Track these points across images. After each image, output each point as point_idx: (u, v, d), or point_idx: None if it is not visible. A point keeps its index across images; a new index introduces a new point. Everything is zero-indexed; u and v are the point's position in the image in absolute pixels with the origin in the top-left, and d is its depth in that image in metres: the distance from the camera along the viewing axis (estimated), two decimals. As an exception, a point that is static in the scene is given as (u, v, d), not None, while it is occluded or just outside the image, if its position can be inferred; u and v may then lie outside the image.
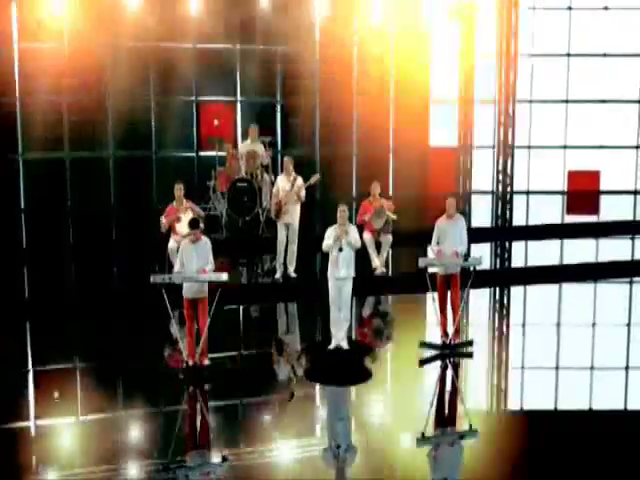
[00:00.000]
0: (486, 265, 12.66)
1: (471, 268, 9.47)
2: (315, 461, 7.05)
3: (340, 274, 8.85)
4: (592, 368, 9.46)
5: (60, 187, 14.78)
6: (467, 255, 9.61)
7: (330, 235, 8.83)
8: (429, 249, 9.63)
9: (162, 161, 15.22)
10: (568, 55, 17.48)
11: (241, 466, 6.90)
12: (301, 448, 7.32)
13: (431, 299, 9.41)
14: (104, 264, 12.53)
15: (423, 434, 7.45)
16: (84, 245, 12.96)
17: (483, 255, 10.17)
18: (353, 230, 8.91)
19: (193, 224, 8.67)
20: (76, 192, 14.76)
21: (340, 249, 8.73)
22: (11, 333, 10.09)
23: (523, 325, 11.10)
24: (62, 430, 7.78)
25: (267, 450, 7.24)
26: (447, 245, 9.22)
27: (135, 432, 7.78)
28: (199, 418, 8.07)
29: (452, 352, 9.26)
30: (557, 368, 9.41)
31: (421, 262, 9.14)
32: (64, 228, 13.97)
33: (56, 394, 8.57)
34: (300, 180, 11.14)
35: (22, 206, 14.72)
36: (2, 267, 11.97)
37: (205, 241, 8.69)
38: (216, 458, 7.14)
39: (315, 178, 11.32)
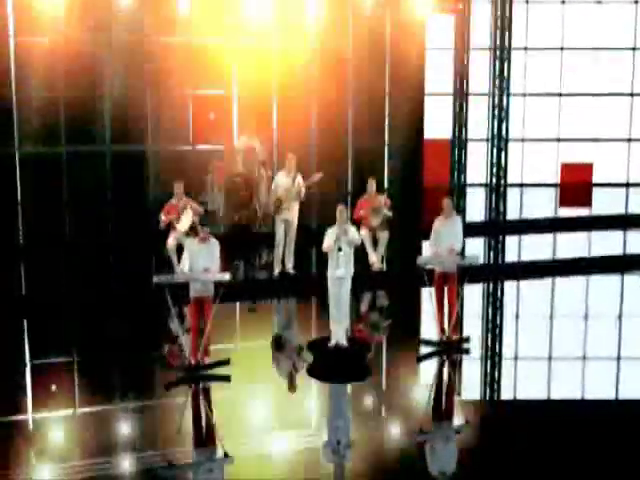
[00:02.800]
0: (480, 260, 12.82)
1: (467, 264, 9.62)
2: (315, 457, 7.19)
3: (339, 273, 8.95)
4: (584, 358, 9.68)
5: (56, 182, 14.73)
6: (463, 253, 9.75)
7: (330, 235, 8.92)
8: (427, 247, 9.72)
9: (158, 155, 15.19)
10: (561, 49, 17.59)
11: (242, 463, 6.99)
12: (301, 444, 7.43)
13: (428, 295, 9.57)
14: (102, 261, 12.59)
15: (421, 429, 7.62)
16: (82, 241, 13.01)
17: (478, 251, 10.29)
18: (352, 229, 9.03)
19: (203, 224, 8.78)
20: (72, 187, 14.72)
21: (340, 249, 8.85)
22: (9, 330, 10.17)
23: (518, 319, 11.24)
24: (60, 427, 7.88)
25: (268, 447, 7.36)
26: (444, 244, 9.37)
27: (136, 430, 7.86)
28: (200, 416, 8.19)
29: (449, 348, 9.42)
30: (550, 359, 9.61)
31: (419, 260, 9.30)
32: (61, 223, 13.98)
33: (53, 388, 8.68)
34: (300, 178, 11.23)
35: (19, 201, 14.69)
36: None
37: (214, 242, 8.78)
38: (217, 455, 7.25)
39: (317, 177, 11.40)
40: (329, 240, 8.93)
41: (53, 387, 8.78)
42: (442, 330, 9.46)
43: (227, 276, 8.65)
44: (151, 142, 14.98)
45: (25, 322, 10.47)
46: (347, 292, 9.05)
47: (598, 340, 10.20)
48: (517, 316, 11.33)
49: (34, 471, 6.91)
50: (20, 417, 8.06)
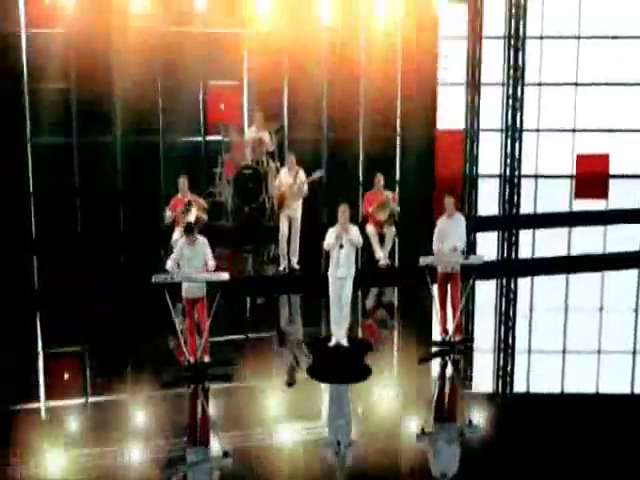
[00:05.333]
0: (493, 256, 12.74)
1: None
2: (315, 457, 7.19)
3: (340, 273, 8.88)
4: (599, 352, 9.59)
5: (68, 173, 14.76)
6: (468, 252, 9.61)
7: (331, 235, 8.86)
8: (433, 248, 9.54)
9: (169, 146, 15.17)
10: (578, 37, 17.27)
11: (242, 462, 7.02)
12: (301, 445, 7.45)
13: (432, 294, 9.44)
14: (113, 254, 12.61)
15: (423, 430, 7.56)
16: (92, 234, 13.04)
17: (488, 248, 10.14)
18: (354, 229, 8.93)
19: (187, 230, 8.71)
20: (84, 178, 14.74)
21: (341, 246, 8.75)
22: (15, 322, 10.24)
23: (529, 320, 11.06)
24: (56, 426, 7.91)
25: (268, 446, 7.36)
26: (447, 243, 9.24)
27: (136, 429, 7.88)
28: (199, 415, 8.20)
29: (452, 349, 9.31)
30: (564, 353, 9.56)
31: (421, 261, 9.18)
32: (71, 215, 14.01)
33: (57, 381, 8.78)
34: (302, 175, 11.22)
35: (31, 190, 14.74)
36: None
37: (202, 241, 8.75)
38: (217, 454, 7.27)
39: (317, 174, 11.36)
40: (330, 239, 8.85)
41: (56, 380, 8.86)
42: (445, 330, 9.35)
43: (225, 276, 8.61)
44: (163, 133, 14.99)
45: (37, 315, 10.54)
46: (348, 293, 8.98)
47: (613, 334, 10.12)
48: (531, 310, 11.21)
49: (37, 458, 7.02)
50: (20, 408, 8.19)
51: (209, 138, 15.26)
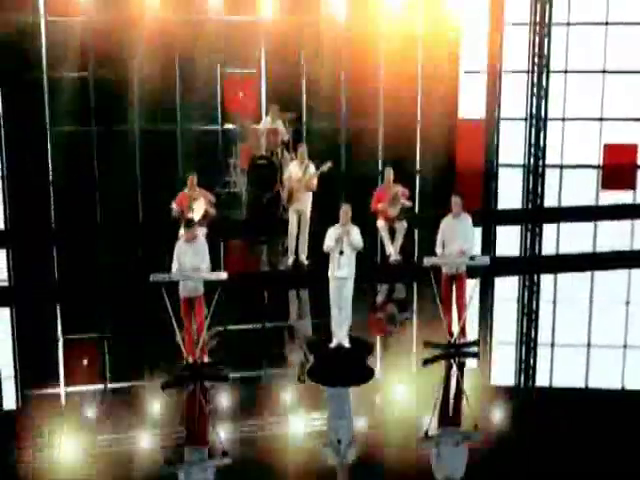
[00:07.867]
0: (515, 251, 12.48)
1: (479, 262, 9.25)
2: (316, 459, 7.10)
3: (341, 274, 8.72)
4: (625, 346, 9.41)
5: (87, 161, 14.81)
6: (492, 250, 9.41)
7: (332, 235, 8.69)
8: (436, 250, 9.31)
9: (186, 135, 15.12)
10: (606, 24, 16.76)
11: (241, 463, 6.96)
12: (301, 446, 7.40)
13: (437, 295, 9.22)
14: (128, 247, 12.62)
15: (426, 433, 7.44)
16: (110, 224, 13.09)
17: (510, 242, 9.90)
18: (355, 231, 8.74)
19: (187, 225, 8.64)
20: (102, 166, 14.77)
21: (341, 252, 8.60)
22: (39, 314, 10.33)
23: (555, 307, 10.78)
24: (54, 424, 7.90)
25: (268, 448, 7.28)
26: (453, 245, 9.01)
27: (134, 429, 7.81)
28: (198, 415, 8.16)
29: (457, 352, 9.11)
30: (588, 347, 9.34)
31: (426, 261, 8.97)
32: (90, 204, 14.05)
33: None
34: (312, 168, 11.07)
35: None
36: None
37: (201, 241, 8.68)
38: (216, 453, 7.26)
39: (327, 166, 11.18)
40: (330, 241, 8.69)
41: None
42: (450, 332, 9.14)
43: (224, 275, 8.53)
44: (181, 122, 14.94)
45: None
46: (349, 293, 8.83)
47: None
48: (554, 304, 11.03)
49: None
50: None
51: (226, 126, 15.19)
